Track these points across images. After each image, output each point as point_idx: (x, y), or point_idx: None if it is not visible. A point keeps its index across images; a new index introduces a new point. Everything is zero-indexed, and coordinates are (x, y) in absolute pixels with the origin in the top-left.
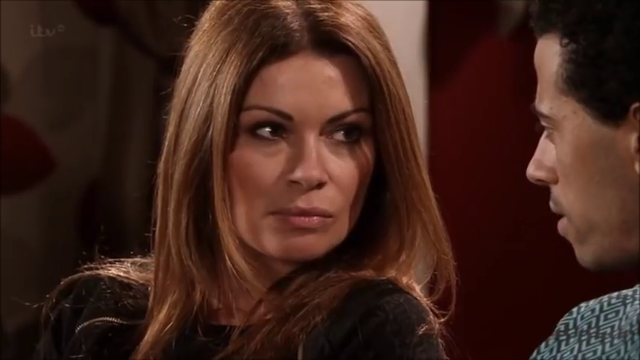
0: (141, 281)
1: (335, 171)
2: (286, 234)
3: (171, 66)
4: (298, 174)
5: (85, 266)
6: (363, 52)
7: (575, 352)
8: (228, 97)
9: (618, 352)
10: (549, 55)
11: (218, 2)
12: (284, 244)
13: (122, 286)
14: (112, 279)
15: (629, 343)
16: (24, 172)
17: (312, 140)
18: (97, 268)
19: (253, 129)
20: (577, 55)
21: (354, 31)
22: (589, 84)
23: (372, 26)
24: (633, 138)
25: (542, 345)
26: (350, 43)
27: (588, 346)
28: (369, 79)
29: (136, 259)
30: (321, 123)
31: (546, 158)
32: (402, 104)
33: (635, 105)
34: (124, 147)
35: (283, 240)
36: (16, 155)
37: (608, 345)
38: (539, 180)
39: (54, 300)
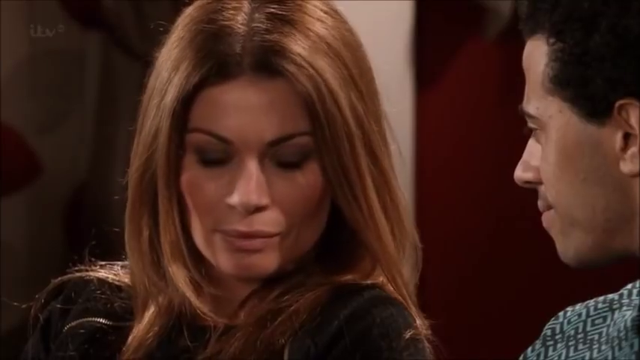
0: (131, 284)
1: (278, 194)
2: (233, 253)
3: None
4: (235, 199)
5: (76, 268)
6: (297, 78)
7: (562, 358)
8: (169, 121)
9: (606, 358)
10: (537, 55)
11: (183, 15)
12: (233, 264)
13: (112, 288)
14: (101, 281)
15: (616, 349)
16: (11, 175)
17: (251, 164)
18: (87, 270)
19: (197, 151)
20: (563, 54)
21: (294, 54)
22: (575, 82)
23: (330, 45)
24: (618, 136)
25: (529, 350)
26: (285, 70)
27: (576, 352)
28: (307, 104)
29: (126, 262)
30: (260, 147)
31: (534, 160)
32: (348, 128)
33: (620, 102)
34: (112, 150)
35: (231, 259)
36: (3, 158)
37: (595, 351)
38: (527, 182)
39: (43, 301)
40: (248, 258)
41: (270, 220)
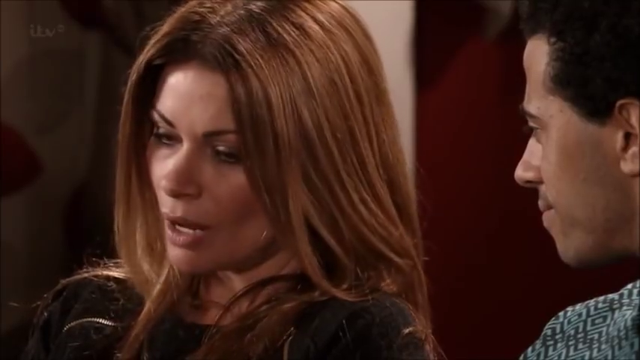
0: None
1: (210, 185)
2: (172, 247)
3: None
4: (163, 182)
5: (83, 269)
6: (232, 77)
7: (562, 358)
8: (130, 102)
9: (605, 358)
10: (538, 55)
11: None
12: (174, 258)
13: (112, 288)
14: (102, 281)
15: (616, 348)
16: (11, 175)
17: (187, 150)
18: (89, 271)
19: (155, 129)
20: (564, 53)
21: (240, 55)
22: (575, 82)
23: (296, 56)
24: (619, 136)
25: (529, 349)
26: (225, 67)
27: (576, 352)
28: (235, 103)
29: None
30: (197, 136)
31: (534, 159)
32: (281, 138)
33: (621, 102)
34: (112, 150)
35: (172, 252)
36: (3, 158)
37: (595, 350)
38: (527, 182)
39: (48, 301)
40: (176, 252)
41: (196, 210)
